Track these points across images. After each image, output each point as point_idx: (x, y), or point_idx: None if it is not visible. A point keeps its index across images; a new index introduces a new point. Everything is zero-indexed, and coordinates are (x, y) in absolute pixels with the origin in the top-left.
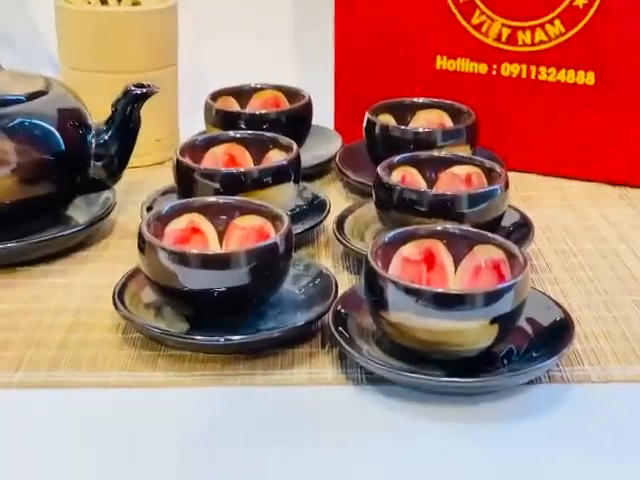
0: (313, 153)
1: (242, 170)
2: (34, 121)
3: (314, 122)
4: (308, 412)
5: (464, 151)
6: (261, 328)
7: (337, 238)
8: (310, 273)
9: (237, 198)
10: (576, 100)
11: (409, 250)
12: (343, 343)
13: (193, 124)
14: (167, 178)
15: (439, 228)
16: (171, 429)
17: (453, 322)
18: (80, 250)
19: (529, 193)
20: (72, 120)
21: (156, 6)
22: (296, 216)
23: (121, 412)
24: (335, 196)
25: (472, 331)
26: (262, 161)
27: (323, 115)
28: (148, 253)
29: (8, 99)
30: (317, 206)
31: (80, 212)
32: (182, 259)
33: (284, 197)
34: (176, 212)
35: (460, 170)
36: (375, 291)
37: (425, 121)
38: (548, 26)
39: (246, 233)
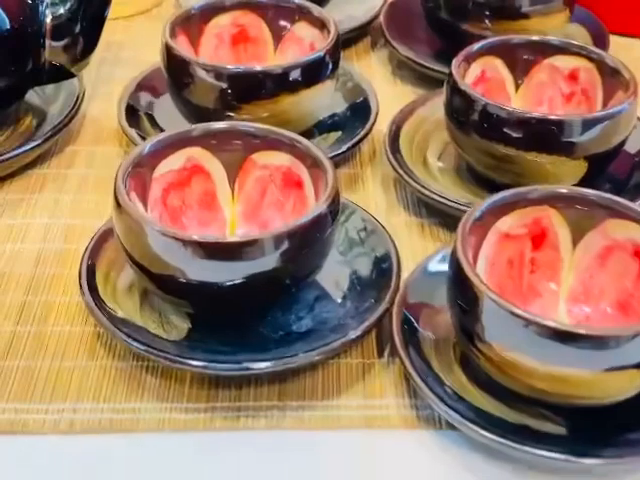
0: (344, 10)
1: (260, 69)
2: None
3: None
4: (363, 467)
5: (562, 17)
6: (292, 330)
7: (392, 167)
8: (358, 231)
9: (257, 126)
10: None
11: (509, 222)
12: (414, 375)
13: None
14: (155, 40)
15: (552, 190)
16: None
17: (585, 370)
18: (37, 167)
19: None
20: None
21: None
22: (333, 124)
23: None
24: (379, 78)
25: (614, 380)
26: (284, 38)
27: None
28: (129, 227)
29: None
30: (360, 108)
31: (36, 112)
32: (184, 246)
33: (317, 101)
34: (168, 147)
35: (563, 62)
36: (467, 307)
37: None
38: None
39: (268, 175)
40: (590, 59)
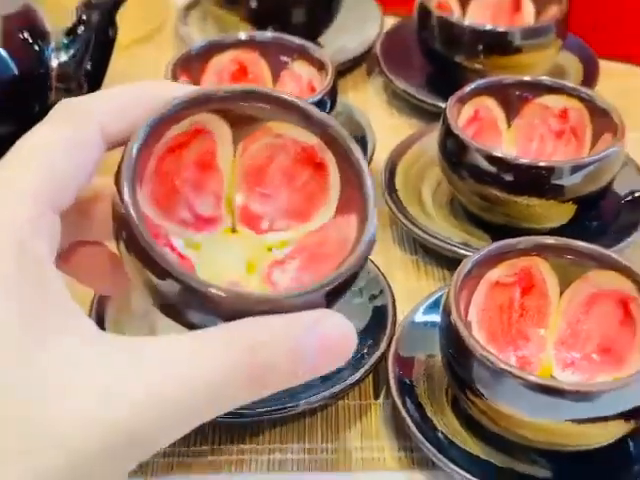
0: (341, 40)
1: None
2: None
3: None
4: None
5: (553, 49)
6: None
7: (389, 207)
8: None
9: (270, 92)
10: None
11: (500, 272)
12: (407, 420)
13: None
14: (158, 69)
15: (540, 241)
16: None
17: (570, 421)
18: None
19: (628, 99)
20: (22, 29)
21: None
22: None
23: None
24: (375, 108)
25: (598, 428)
26: (281, 76)
27: None
28: (144, 265)
29: None
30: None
31: None
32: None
33: None
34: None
35: (554, 102)
36: (459, 361)
37: None
38: None
39: (281, 142)
40: (580, 99)
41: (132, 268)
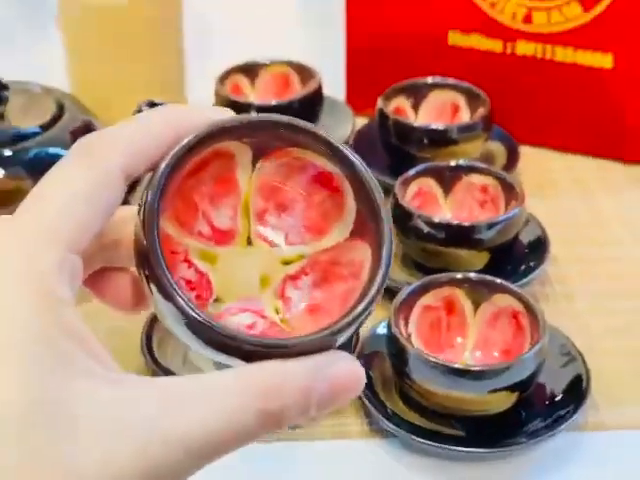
0: None
1: None
2: (50, 152)
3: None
4: (333, 468)
5: (482, 140)
6: None
7: None
8: None
9: (297, 122)
10: (592, 83)
11: (430, 298)
12: (367, 403)
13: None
14: None
15: (459, 276)
16: None
17: (474, 393)
18: None
19: (543, 178)
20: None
21: None
22: None
23: None
24: None
25: (493, 399)
26: None
27: (333, 83)
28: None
29: (24, 133)
30: None
31: None
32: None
33: None
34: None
35: (477, 179)
36: (399, 358)
37: (439, 102)
38: (565, 8)
39: (299, 164)
40: (496, 177)
41: (153, 300)
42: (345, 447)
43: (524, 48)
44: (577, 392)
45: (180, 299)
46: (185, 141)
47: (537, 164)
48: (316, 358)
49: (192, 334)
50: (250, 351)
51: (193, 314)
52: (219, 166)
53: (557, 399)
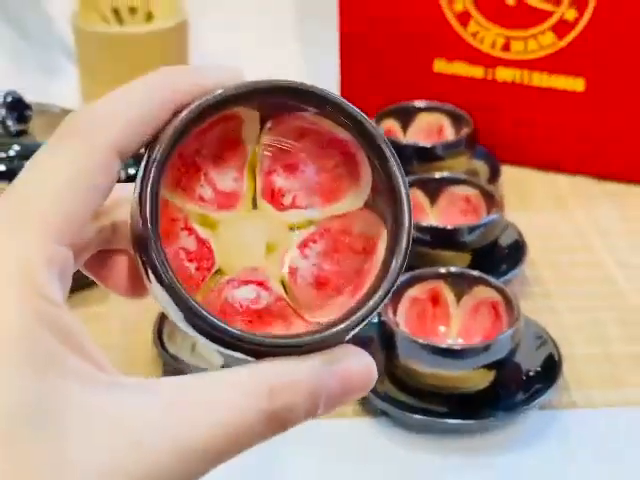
0: None
1: None
2: None
3: None
4: (327, 445)
5: (466, 157)
6: None
7: None
8: None
9: (308, 87)
10: (566, 105)
11: (416, 291)
12: None
13: None
14: None
15: (442, 270)
16: None
17: (456, 371)
18: None
19: (522, 192)
20: None
21: (170, 23)
22: None
23: None
24: None
25: (473, 375)
26: None
27: None
28: (165, 292)
29: None
30: None
31: None
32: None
33: None
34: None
35: (460, 190)
36: (389, 341)
37: (426, 124)
38: (540, 37)
39: (313, 128)
40: (477, 188)
41: (151, 288)
42: (338, 425)
43: (503, 74)
44: (550, 373)
45: (180, 294)
46: (186, 112)
47: (517, 180)
48: (325, 354)
49: (194, 331)
50: (257, 350)
51: (197, 315)
52: (225, 128)
53: (532, 379)
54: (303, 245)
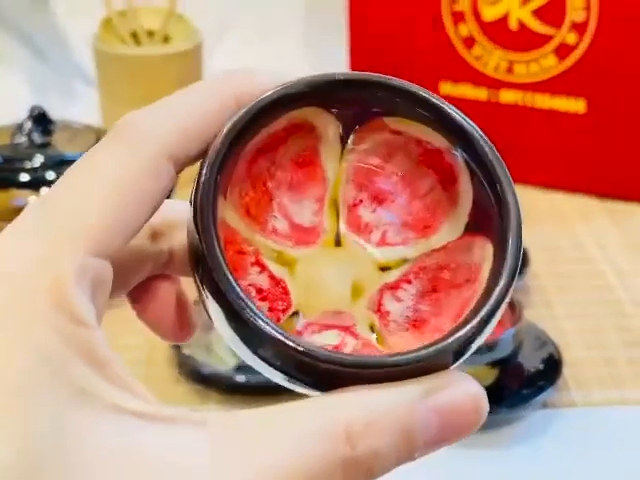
0: None
1: None
2: None
3: None
4: None
5: None
6: None
7: None
8: None
9: (389, 80)
10: (567, 126)
11: None
12: None
13: None
14: None
15: None
16: None
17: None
18: None
19: (527, 210)
20: None
21: (186, 46)
22: None
23: None
24: None
25: (477, 374)
26: None
27: None
28: (223, 312)
29: (68, 158)
30: None
31: None
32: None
33: None
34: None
35: None
36: None
37: None
38: (542, 60)
39: (402, 141)
40: None
41: (210, 309)
42: None
43: (507, 96)
44: (551, 372)
45: (247, 307)
46: (247, 107)
47: (521, 199)
48: (419, 381)
49: (263, 350)
50: (334, 377)
51: (267, 329)
52: (298, 143)
53: (534, 377)
54: (395, 287)
